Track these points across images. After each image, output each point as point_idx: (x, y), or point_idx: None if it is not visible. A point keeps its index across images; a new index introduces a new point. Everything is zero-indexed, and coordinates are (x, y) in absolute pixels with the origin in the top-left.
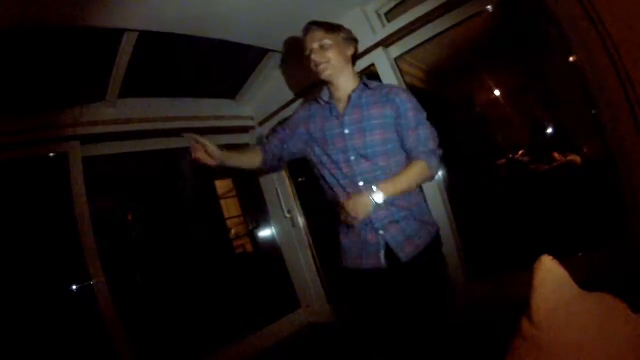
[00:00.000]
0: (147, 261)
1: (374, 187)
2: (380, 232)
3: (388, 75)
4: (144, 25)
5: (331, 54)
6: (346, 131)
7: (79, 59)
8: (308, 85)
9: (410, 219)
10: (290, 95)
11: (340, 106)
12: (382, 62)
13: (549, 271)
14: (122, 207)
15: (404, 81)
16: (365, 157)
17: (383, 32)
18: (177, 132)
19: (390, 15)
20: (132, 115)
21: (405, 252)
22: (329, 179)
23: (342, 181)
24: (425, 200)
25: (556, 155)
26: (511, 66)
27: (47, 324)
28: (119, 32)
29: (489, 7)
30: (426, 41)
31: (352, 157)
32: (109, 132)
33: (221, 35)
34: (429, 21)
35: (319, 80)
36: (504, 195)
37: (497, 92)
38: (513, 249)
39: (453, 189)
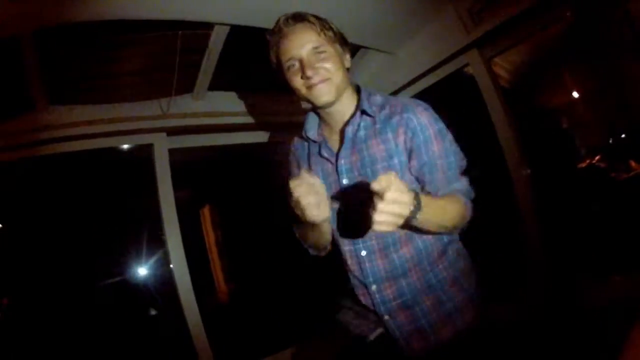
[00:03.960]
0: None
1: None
2: (386, 317)
3: (482, 76)
4: (235, 19)
5: (331, 66)
6: (344, 182)
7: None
8: (401, 86)
9: (430, 302)
10: None
11: (333, 141)
12: (477, 62)
13: None
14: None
15: (498, 83)
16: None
17: (477, 31)
18: (262, 126)
19: (482, 14)
20: (219, 108)
21: (413, 348)
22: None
23: (345, 248)
24: (467, 273)
25: (633, 164)
26: (589, 70)
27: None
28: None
29: (569, 13)
30: (518, 43)
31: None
32: (196, 125)
33: None
34: (519, 23)
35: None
36: (586, 200)
37: (575, 95)
38: (592, 255)
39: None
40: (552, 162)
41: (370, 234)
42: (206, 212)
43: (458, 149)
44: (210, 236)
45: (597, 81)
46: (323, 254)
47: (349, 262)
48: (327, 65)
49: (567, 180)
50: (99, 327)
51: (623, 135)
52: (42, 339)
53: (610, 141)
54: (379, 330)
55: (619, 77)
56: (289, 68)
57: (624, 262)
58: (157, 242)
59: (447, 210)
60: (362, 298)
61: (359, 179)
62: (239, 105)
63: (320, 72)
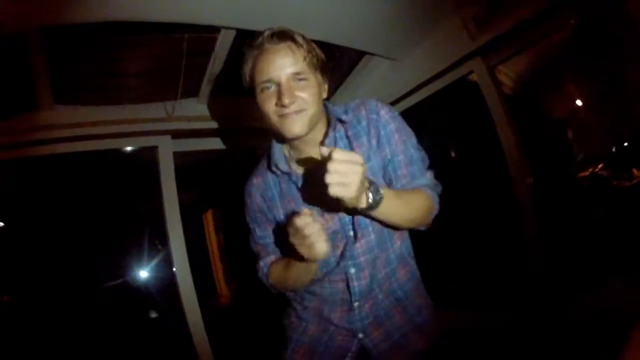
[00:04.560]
0: None
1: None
2: (360, 335)
3: (486, 84)
4: (241, 23)
5: (309, 97)
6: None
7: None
8: (405, 92)
9: (400, 316)
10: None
11: (307, 169)
12: (481, 70)
13: None
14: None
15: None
16: (358, 230)
17: (481, 39)
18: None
19: (486, 22)
20: (225, 113)
21: None
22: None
23: (329, 274)
24: (420, 280)
25: (636, 171)
26: (591, 77)
27: None
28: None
29: (572, 21)
30: (522, 51)
31: (341, 242)
32: (200, 128)
33: (320, 37)
34: (523, 31)
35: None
36: (588, 209)
37: (578, 102)
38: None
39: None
40: (555, 170)
41: (354, 253)
42: (209, 216)
43: (418, 145)
44: (212, 240)
45: (600, 89)
46: (295, 290)
47: (332, 280)
48: (305, 95)
49: (569, 188)
50: (99, 329)
51: (626, 144)
52: (42, 338)
53: (614, 149)
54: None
55: (622, 85)
56: (262, 90)
57: (624, 268)
58: (159, 244)
59: (411, 202)
60: (334, 316)
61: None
62: (244, 109)
63: (297, 101)
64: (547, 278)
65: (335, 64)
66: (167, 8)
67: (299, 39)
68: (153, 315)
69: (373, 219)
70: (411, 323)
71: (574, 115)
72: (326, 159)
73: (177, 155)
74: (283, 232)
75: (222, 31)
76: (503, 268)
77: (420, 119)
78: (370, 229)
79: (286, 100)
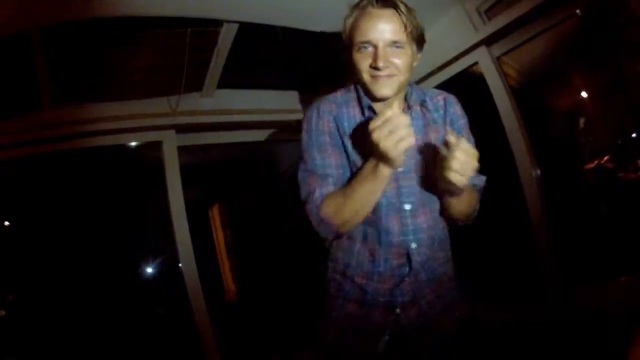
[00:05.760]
0: None
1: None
2: (397, 310)
3: (491, 74)
4: (243, 17)
5: (402, 65)
6: (400, 169)
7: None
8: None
9: (432, 296)
10: None
11: None
12: (486, 61)
13: None
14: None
15: (507, 82)
16: (424, 206)
17: (485, 30)
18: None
19: (490, 13)
20: (229, 106)
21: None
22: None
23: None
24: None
25: None
26: (598, 69)
27: None
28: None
29: (578, 11)
30: (526, 42)
31: (408, 207)
32: (205, 122)
33: (325, 28)
34: (527, 22)
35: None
36: (594, 202)
37: (584, 94)
38: (599, 256)
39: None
40: (560, 162)
41: (419, 226)
42: (215, 211)
43: None
44: (219, 235)
45: (606, 80)
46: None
47: (389, 255)
48: (398, 62)
49: (575, 181)
50: (106, 324)
51: (634, 135)
52: (46, 335)
53: (619, 142)
54: (385, 339)
55: (628, 77)
56: (359, 49)
57: (630, 263)
58: (165, 240)
59: (470, 200)
60: (377, 292)
61: (415, 165)
62: (248, 103)
63: (390, 67)
64: (553, 270)
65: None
66: (169, 2)
67: (403, 7)
68: (160, 311)
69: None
70: (442, 304)
71: (580, 107)
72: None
73: (184, 151)
74: (350, 166)
75: (225, 25)
76: (508, 260)
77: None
78: (434, 206)
79: (380, 64)
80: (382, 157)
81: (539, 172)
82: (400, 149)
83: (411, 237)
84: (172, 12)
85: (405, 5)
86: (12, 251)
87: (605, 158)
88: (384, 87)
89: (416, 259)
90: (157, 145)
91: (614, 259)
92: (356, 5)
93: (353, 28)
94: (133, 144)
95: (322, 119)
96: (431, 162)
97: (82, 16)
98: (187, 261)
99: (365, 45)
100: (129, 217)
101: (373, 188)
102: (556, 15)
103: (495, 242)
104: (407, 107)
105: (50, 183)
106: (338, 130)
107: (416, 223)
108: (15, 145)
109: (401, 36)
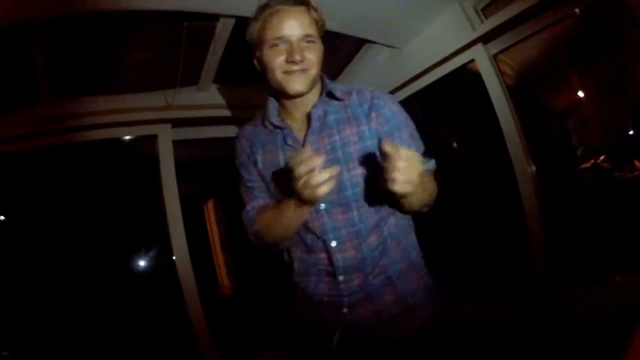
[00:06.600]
0: None
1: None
2: (344, 310)
3: (488, 72)
4: (240, 11)
5: (314, 59)
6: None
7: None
8: (405, 81)
9: (390, 296)
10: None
11: (297, 129)
12: (482, 58)
13: None
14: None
15: (503, 79)
16: (341, 205)
17: (482, 28)
18: None
19: (487, 11)
20: (224, 101)
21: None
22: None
23: (307, 240)
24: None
25: (638, 164)
26: (594, 69)
27: None
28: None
29: (575, 10)
30: (522, 40)
31: (322, 207)
32: (200, 116)
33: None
34: (524, 20)
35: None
36: (589, 201)
37: (580, 94)
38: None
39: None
40: (556, 161)
41: (336, 225)
42: (210, 206)
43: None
44: (214, 230)
45: (603, 79)
46: (281, 245)
47: (314, 250)
48: (311, 56)
49: (571, 180)
50: (99, 319)
51: (631, 132)
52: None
53: (615, 141)
54: (337, 336)
55: (625, 76)
56: (271, 46)
57: (626, 262)
58: (159, 235)
59: (427, 186)
60: (321, 287)
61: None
62: (244, 98)
63: (305, 61)
64: (549, 269)
65: (335, 51)
66: None
67: (313, 3)
68: (154, 306)
69: (367, 194)
70: (402, 304)
71: (576, 106)
72: (390, 154)
73: (179, 146)
74: (269, 180)
75: (221, 19)
76: (504, 258)
77: (421, 108)
78: (354, 204)
79: (297, 57)
80: (303, 199)
81: (534, 169)
82: (319, 196)
83: (330, 236)
84: (169, 6)
85: (315, 2)
86: (4, 246)
87: (602, 157)
88: (298, 83)
89: (337, 256)
90: (152, 140)
91: (609, 258)
92: (266, 5)
93: (264, 27)
94: (127, 137)
95: (240, 142)
96: (351, 156)
97: (81, 10)
98: (181, 257)
99: (278, 42)
100: (123, 212)
101: (299, 215)
102: (553, 14)
103: (491, 240)
104: (328, 97)
105: (43, 177)
106: (251, 147)
107: (335, 222)
108: (11, 139)
109: (313, 30)
